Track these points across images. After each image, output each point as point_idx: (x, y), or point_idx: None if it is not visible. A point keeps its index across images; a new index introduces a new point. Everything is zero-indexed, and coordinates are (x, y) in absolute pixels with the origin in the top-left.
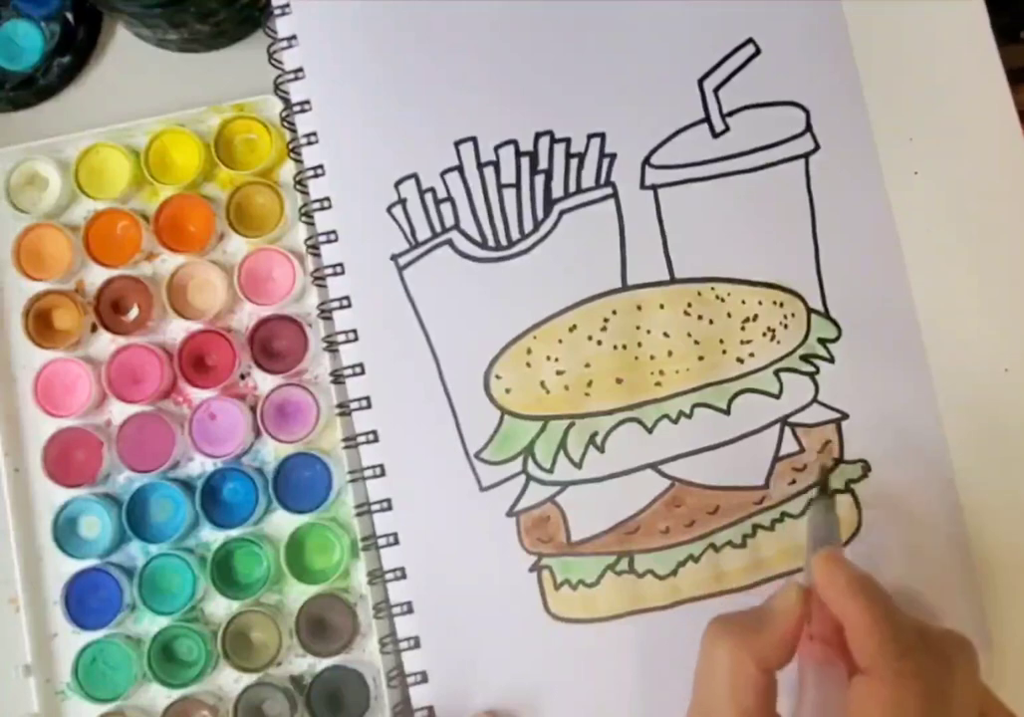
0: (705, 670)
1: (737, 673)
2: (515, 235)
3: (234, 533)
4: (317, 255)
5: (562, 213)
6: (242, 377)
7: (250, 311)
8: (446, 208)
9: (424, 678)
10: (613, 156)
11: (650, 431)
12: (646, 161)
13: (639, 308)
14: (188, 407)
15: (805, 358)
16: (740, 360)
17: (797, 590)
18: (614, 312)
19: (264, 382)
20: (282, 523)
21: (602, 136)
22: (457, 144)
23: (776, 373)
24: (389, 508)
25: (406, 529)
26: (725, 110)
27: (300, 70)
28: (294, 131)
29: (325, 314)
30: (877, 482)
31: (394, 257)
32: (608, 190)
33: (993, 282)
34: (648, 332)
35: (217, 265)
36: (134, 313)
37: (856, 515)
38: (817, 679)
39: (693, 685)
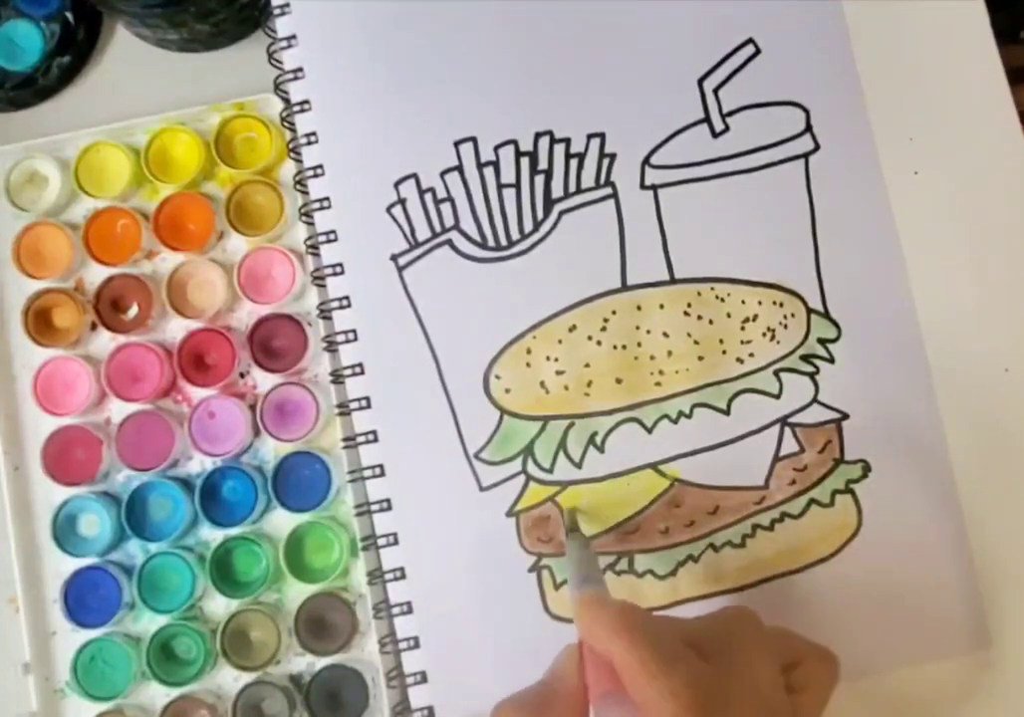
0: None
1: None
2: (515, 235)
3: (233, 532)
4: (317, 255)
5: (562, 213)
6: (242, 376)
7: (250, 310)
8: (446, 208)
9: (423, 678)
10: (613, 156)
11: (650, 431)
12: (646, 161)
13: (639, 308)
14: (188, 406)
15: (805, 358)
16: (740, 360)
17: (574, 650)
18: (614, 312)
19: (264, 381)
20: (281, 522)
21: (602, 136)
22: (457, 144)
23: (776, 373)
24: (389, 508)
25: (406, 529)
26: (725, 110)
27: (300, 70)
28: (294, 131)
29: (325, 314)
30: (877, 482)
31: (394, 257)
32: (608, 190)
33: (993, 282)
34: (648, 332)
35: (217, 264)
36: (134, 312)
37: (856, 515)
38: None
39: None
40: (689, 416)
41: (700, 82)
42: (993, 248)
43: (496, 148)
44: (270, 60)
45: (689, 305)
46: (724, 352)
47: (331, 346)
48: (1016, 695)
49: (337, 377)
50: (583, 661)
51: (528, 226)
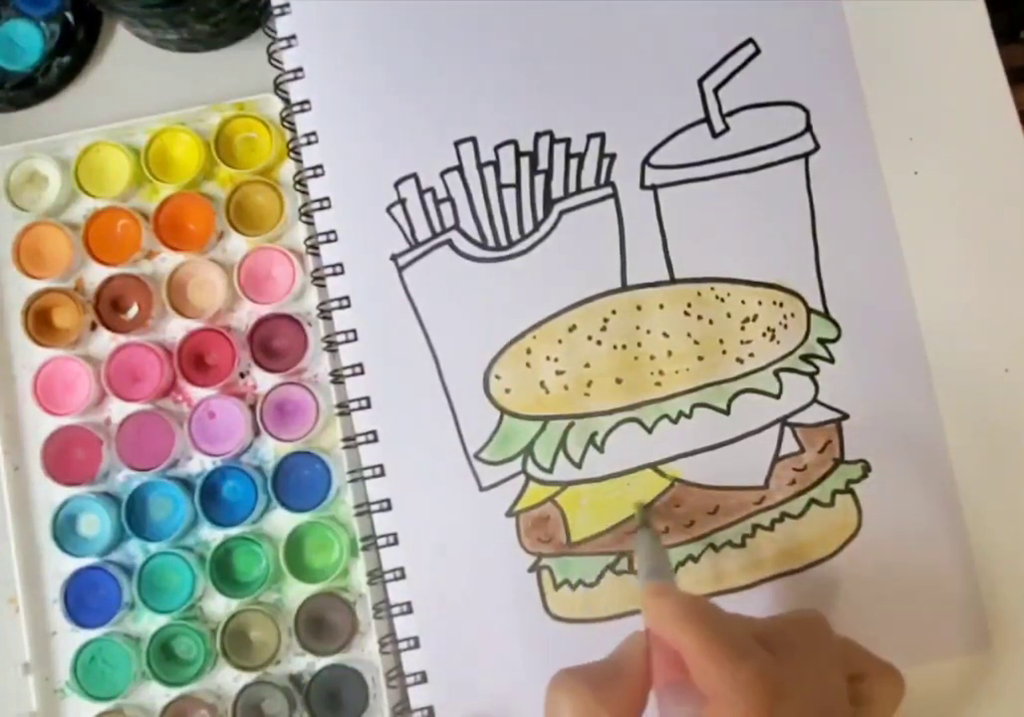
0: None
1: None
2: (515, 235)
3: (233, 532)
4: (317, 255)
5: (562, 213)
6: (242, 376)
7: (250, 310)
8: (446, 208)
9: (423, 678)
10: (613, 156)
11: (650, 431)
12: (646, 161)
13: (639, 308)
14: (188, 406)
15: (805, 358)
16: (740, 360)
17: (641, 637)
18: (614, 312)
19: (264, 381)
20: (281, 522)
21: (602, 136)
22: (457, 144)
23: (776, 373)
24: (389, 508)
25: (406, 529)
26: (725, 110)
27: (300, 70)
28: (294, 131)
29: (325, 314)
30: (877, 482)
31: (394, 257)
32: (608, 190)
33: (993, 282)
34: (648, 332)
35: (217, 264)
36: (134, 311)
37: (856, 515)
38: (676, 706)
39: None
40: (689, 416)
41: (700, 82)
42: (993, 248)
43: (496, 148)
44: (270, 60)
45: (689, 305)
46: (724, 352)
47: (331, 346)
48: (1016, 695)
49: (337, 377)
50: (649, 649)
51: (528, 226)
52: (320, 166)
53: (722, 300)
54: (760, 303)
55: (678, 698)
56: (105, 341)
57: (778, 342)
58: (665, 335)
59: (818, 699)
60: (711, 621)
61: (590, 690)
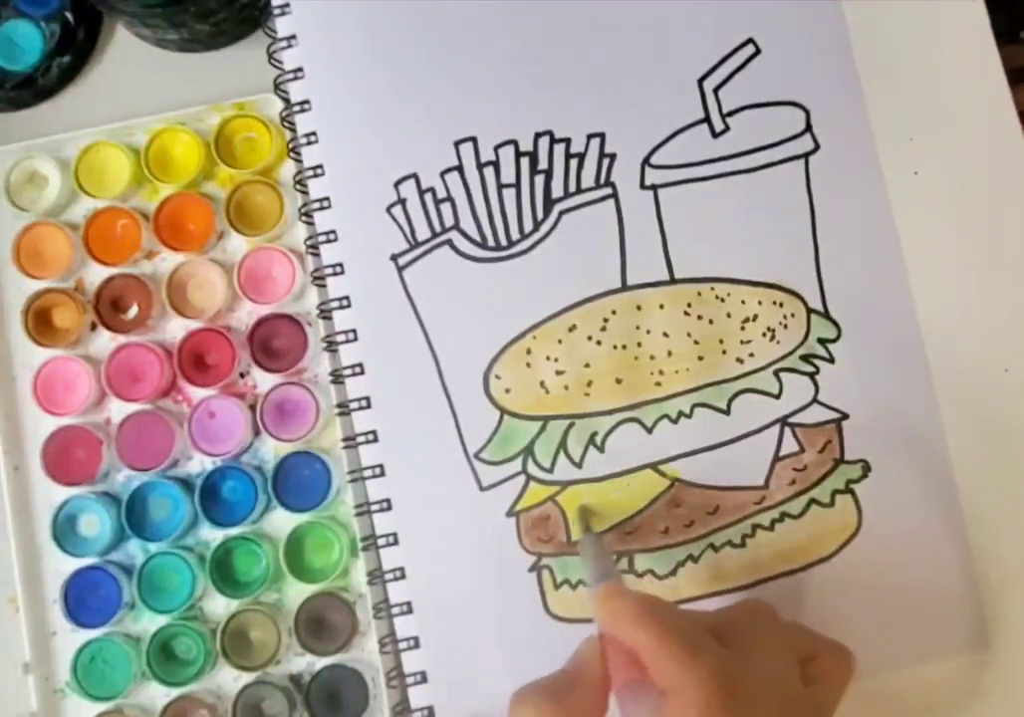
0: None
1: None
2: (515, 235)
3: (233, 532)
4: (317, 255)
5: (562, 213)
6: (242, 376)
7: (250, 310)
8: (446, 208)
9: (423, 678)
10: (613, 156)
11: (650, 431)
12: (646, 161)
13: (639, 308)
14: (187, 406)
15: (805, 358)
16: (740, 360)
17: (595, 642)
18: (614, 312)
19: (264, 381)
20: (281, 522)
21: (602, 136)
22: (457, 144)
23: (776, 373)
24: (389, 508)
25: (406, 529)
26: (725, 110)
27: (300, 70)
28: (294, 131)
29: (325, 314)
30: (877, 482)
31: (394, 257)
32: (608, 190)
33: (993, 282)
34: (648, 332)
35: (217, 264)
36: (134, 311)
37: (856, 515)
38: (635, 704)
39: None
40: (689, 416)
41: (700, 82)
42: (993, 248)
43: (496, 148)
44: (270, 60)
45: (689, 305)
46: (724, 352)
47: (331, 346)
48: (1015, 695)
49: (337, 377)
50: (604, 652)
51: (528, 226)
52: (320, 166)
53: (722, 300)
54: (760, 303)
55: (637, 696)
56: (105, 341)
57: (778, 342)
58: (665, 335)
59: (772, 685)
60: (666, 618)
61: (551, 701)
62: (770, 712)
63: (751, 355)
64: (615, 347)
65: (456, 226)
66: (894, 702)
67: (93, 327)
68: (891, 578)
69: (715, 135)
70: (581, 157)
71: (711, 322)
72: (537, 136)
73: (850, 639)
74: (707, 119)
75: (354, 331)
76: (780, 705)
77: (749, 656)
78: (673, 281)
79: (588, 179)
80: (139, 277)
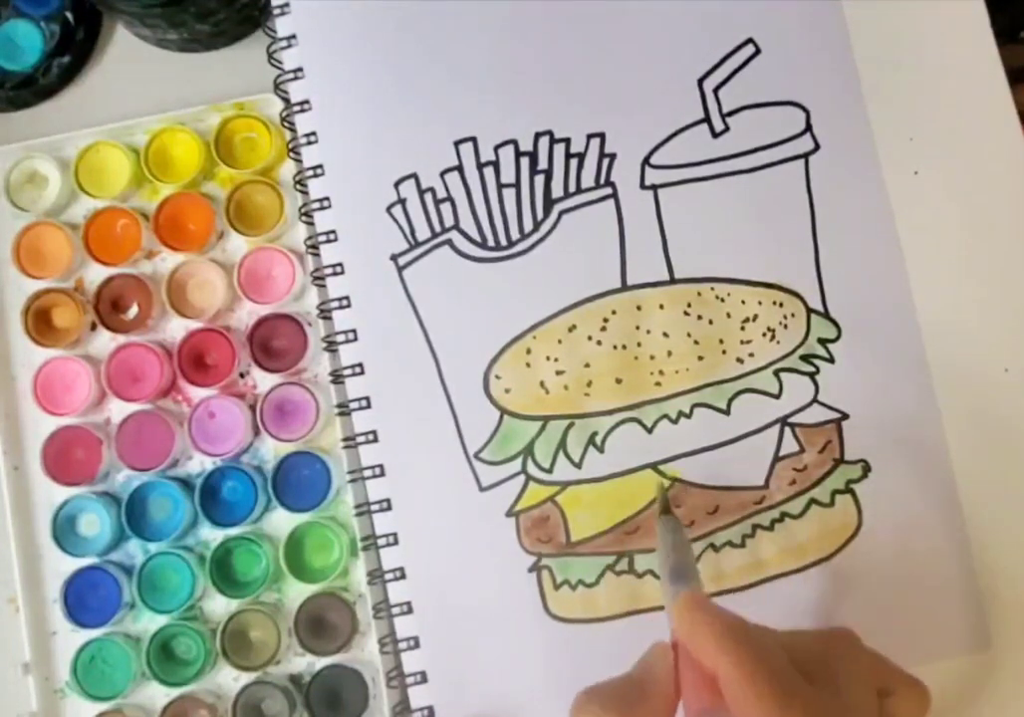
0: None
1: None
2: (515, 235)
3: (233, 532)
4: (317, 255)
5: (562, 213)
6: (241, 376)
7: (250, 310)
8: (446, 208)
9: (423, 678)
10: (613, 156)
11: (650, 431)
12: (646, 161)
13: (639, 308)
14: (187, 406)
15: (805, 358)
16: (740, 360)
17: (667, 651)
18: (614, 312)
19: (263, 381)
20: (281, 522)
21: (602, 136)
22: (457, 144)
23: (776, 373)
24: (389, 508)
25: (406, 529)
26: (725, 110)
27: (300, 70)
28: (294, 131)
29: (325, 314)
30: (877, 482)
31: (394, 257)
32: (608, 190)
33: (993, 282)
34: (648, 332)
35: (217, 264)
36: (134, 311)
37: (856, 515)
38: None
39: None
40: (689, 416)
41: (700, 82)
42: (993, 248)
43: (496, 148)
44: (270, 60)
45: (689, 305)
46: (724, 352)
47: (331, 346)
48: (1016, 695)
49: (337, 377)
50: (677, 666)
51: (528, 226)
52: (320, 166)
53: (722, 300)
54: (760, 303)
55: None
56: (105, 341)
57: (778, 342)
58: (665, 335)
59: None
60: (755, 649)
61: (618, 713)
62: None
63: (751, 355)
64: (615, 347)
65: (456, 226)
66: None
67: (93, 327)
68: (891, 578)
69: (715, 135)
70: (581, 157)
71: (711, 322)
72: (537, 136)
73: None
74: (707, 119)
75: (354, 331)
76: None
77: (839, 697)
78: (673, 281)
79: (588, 179)
80: (139, 277)
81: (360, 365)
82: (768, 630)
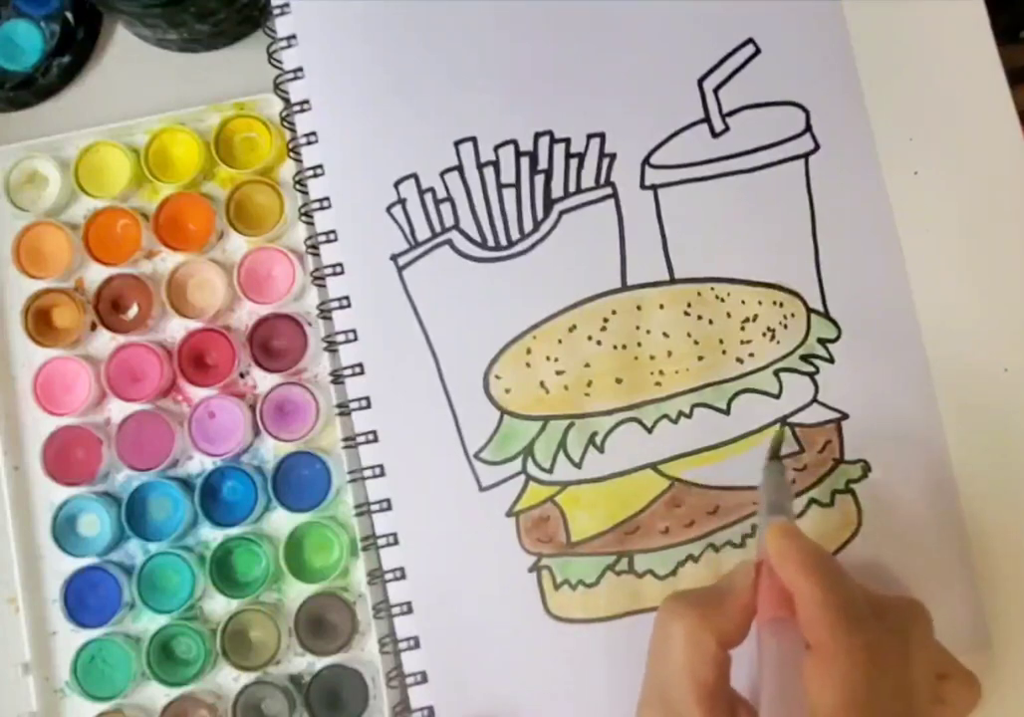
0: (661, 646)
1: (697, 650)
2: (515, 235)
3: (233, 532)
4: (317, 255)
5: (562, 213)
6: (241, 376)
7: (250, 310)
8: (446, 208)
9: (423, 678)
10: (613, 156)
11: (650, 431)
12: (646, 161)
13: (639, 308)
14: (187, 405)
15: (805, 358)
16: (740, 360)
17: (751, 568)
18: (614, 312)
19: (263, 381)
20: (281, 522)
21: (602, 136)
22: (457, 144)
23: (776, 373)
24: (389, 508)
25: (406, 529)
26: (725, 110)
27: (300, 70)
28: (294, 131)
29: (325, 314)
30: (877, 482)
31: (394, 257)
32: (608, 190)
33: (993, 282)
34: (648, 332)
35: (217, 264)
36: (134, 311)
37: (856, 515)
38: (777, 643)
39: (648, 661)
40: (689, 416)
41: (700, 82)
42: (993, 248)
43: (496, 148)
44: (270, 60)
45: (689, 305)
46: (724, 352)
47: (331, 346)
48: (1016, 695)
49: (337, 377)
50: (758, 581)
51: (528, 226)
52: (320, 166)
53: (722, 300)
54: (760, 303)
55: (781, 635)
56: (105, 341)
57: (778, 342)
58: (665, 335)
59: (912, 686)
60: (835, 576)
61: (698, 613)
62: (897, 713)
63: (751, 355)
64: (615, 347)
65: (456, 226)
66: None
67: (93, 327)
68: (891, 578)
69: (715, 135)
70: (581, 157)
71: (711, 322)
72: (537, 136)
73: None
74: (707, 119)
75: (354, 331)
76: (908, 711)
77: (903, 647)
78: (673, 281)
79: (588, 179)
80: (139, 277)
81: (360, 365)
82: (851, 577)
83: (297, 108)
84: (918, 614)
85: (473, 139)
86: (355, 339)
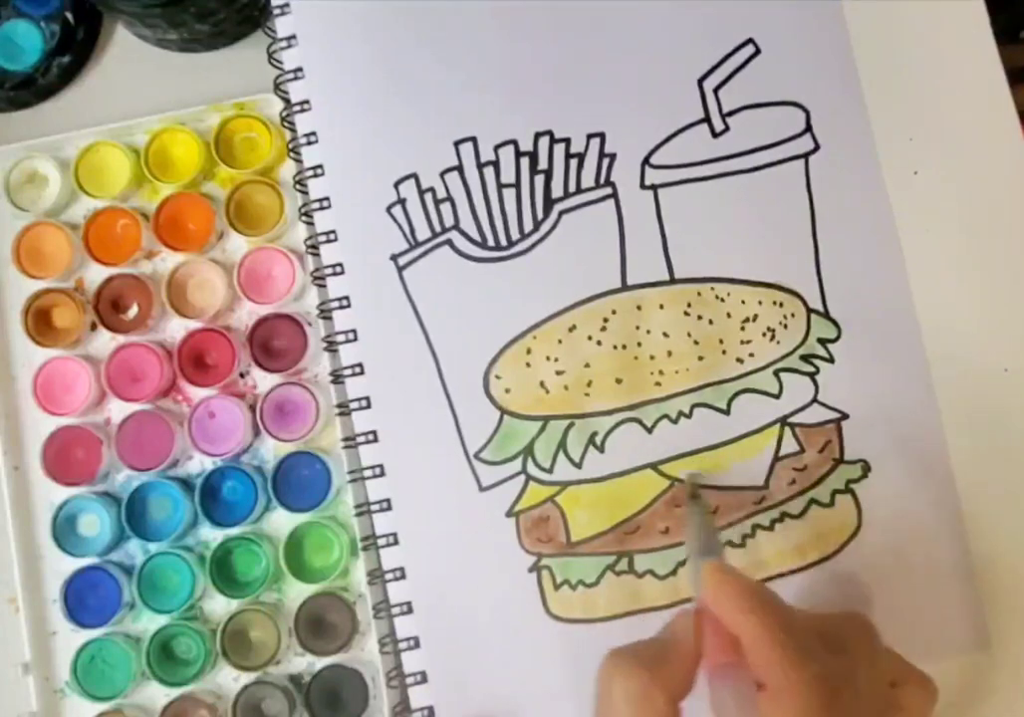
0: (608, 707)
1: (647, 709)
2: (515, 235)
3: (233, 532)
4: (317, 255)
5: (562, 213)
6: (241, 376)
7: (250, 310)
8: (446, 208)
9: (423, 678)
10: (613, 156)
11: (650, 431)
12: (646, 161)
13: (639, 308)
14: (187, 406)
15: (805, 358)
16: (740, 360)
17: (691, 615)
18: (614, 312)
19: (263, 381)
20: (281, 522)
21: (602, 136)
22: (457, 144)
23: (776, 373)
24: (389, 508)
25: (406, 529)
26: (725, 110)
27: (300, 70)
28: (294, 131)
29: (325, 314)
30: (877, 482)
31: (394, 257)
32: (608, 190)
33: (993, 282)
34: (648, 332)
35: (217, 264)
36: (134, 311)
37: (856, 515)
38: (729, 688)
39: None
40: (689, 416)
41: (700, 82)
42: (993, 248)
43: (496, 148)
44: (270, 60)
45: (689, 305)
46: (724, 352)
47: (331, 346)
48: (1016, 695)
49: (337, 377)
50: (699, 628)
51: (528, 226)
52: (320, 166)
53: (722, 300)
54: (760, 303)
55: (730, 681)
56: (105, 341)
57: (778, 342)
58: (665, 335)
59: (868, 703)
60: (777, 611)
61: (644, 671)
62: None
63: (751, 355)
64: (615, 347)
65: (456, 226)
66: None
67: (93, 327)
68: (891, 578)
69: (715, 135)
70: (581, 157)
71: (711, 322)
72: (537, 136)
73: None
74: (707, 119)
75: (354, 331)
76: None
77: (852, 669)
78: (673, 281)
79: (588, 179)
80: (139, 277)
81: (360, 365)
82: (791, 605)
83: (297, 108)
84: (860, 628)
85: (473, 139)
86: (355, 339)
